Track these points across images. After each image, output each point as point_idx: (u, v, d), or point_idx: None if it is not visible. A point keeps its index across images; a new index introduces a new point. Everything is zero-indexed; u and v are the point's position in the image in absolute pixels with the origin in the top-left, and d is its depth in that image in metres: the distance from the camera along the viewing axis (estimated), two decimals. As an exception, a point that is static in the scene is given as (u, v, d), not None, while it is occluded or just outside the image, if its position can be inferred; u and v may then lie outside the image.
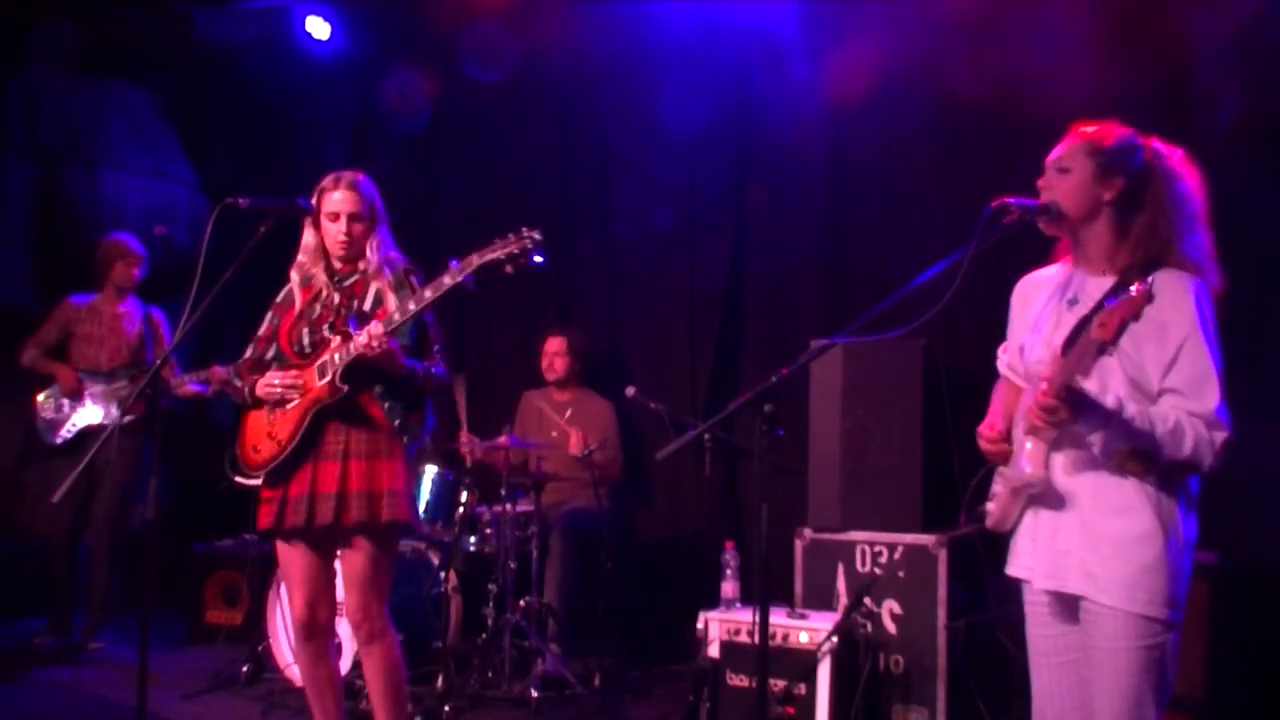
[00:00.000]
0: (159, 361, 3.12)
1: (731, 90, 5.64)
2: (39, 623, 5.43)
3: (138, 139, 6.96)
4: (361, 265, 3.34)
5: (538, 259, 2.99)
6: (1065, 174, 2.34)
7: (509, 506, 4.74)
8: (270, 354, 3.39)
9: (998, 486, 2.41)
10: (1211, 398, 2.20)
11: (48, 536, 5.37)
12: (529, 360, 5.67)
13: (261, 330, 3.42)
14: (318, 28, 6.42)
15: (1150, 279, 2.11)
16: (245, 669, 4.75)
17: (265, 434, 3.28)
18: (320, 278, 3.35)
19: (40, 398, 5.40)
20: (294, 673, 4.50)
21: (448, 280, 3.00)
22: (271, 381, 3.23)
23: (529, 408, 5.68)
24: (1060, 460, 2.30)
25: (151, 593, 3.04)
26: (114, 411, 5.33)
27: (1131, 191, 2.31)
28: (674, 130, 5.59)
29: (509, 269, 2.98)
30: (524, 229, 2.99)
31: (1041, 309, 2.43)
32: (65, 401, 5.36)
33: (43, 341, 5.44)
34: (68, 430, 5.35)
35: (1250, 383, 2.52)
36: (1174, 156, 2.37)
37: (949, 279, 2.26)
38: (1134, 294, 2.07)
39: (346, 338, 3.16)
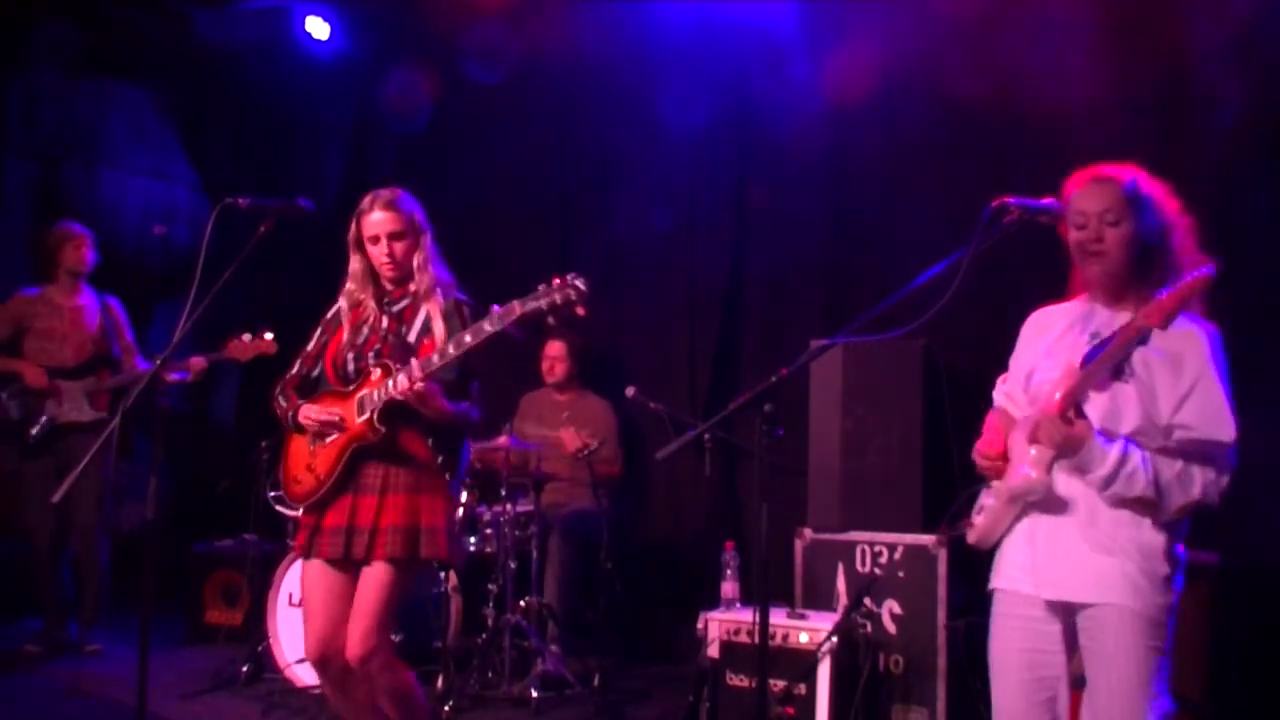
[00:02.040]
0: (158, 363, 3.04)
1: (731, 90, 5.63)
2: (39, 623, 5.42)
3: (138, 139, 6.96)
4: (412, 287, 3.23)
5: (580, 311, 2.85)
6: (1115, 226, 2.33)
7: (509, 506, 4.74)
8: (315, 372, 3.30)
9: (988, 499, 2.40)
10: (1227, 431, 2.24)
11: (32, 542, 5.28)
12: (529, 361, 5.67)
13: (310, 347, 3.32)
14: (318, 28, 6.43)
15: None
16: (245, 669, 4.75)
17: (305, 466, 3.19)
18: (369, 302, 3.24)
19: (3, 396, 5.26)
20: (294, 673, 4.51)
21: (488, 327, 2.92)
22: (310, 414, 3.14)
23: (528, 408, 5.68)
24: (1063, 468, 2.31)
25: (151, 593, 3.03)
26: (88, 409, 5.24)
27: (1158, 231, 2.34)
28: (674, 130, 5.59)
29: (551, 319, 2.88)
30: (570, 276, 2.85)
31: (1058, 338, 2.44)
32: (30, 399, 5.21)
33: None
34: (39, 428, 5.20)
35: (1250, 384, 2.51)
36: (1158, 189, 2.39)
37: (949, 279, 2.27)
38: (1188, 279, 2.14)
39: (389, 371, 3.07)
